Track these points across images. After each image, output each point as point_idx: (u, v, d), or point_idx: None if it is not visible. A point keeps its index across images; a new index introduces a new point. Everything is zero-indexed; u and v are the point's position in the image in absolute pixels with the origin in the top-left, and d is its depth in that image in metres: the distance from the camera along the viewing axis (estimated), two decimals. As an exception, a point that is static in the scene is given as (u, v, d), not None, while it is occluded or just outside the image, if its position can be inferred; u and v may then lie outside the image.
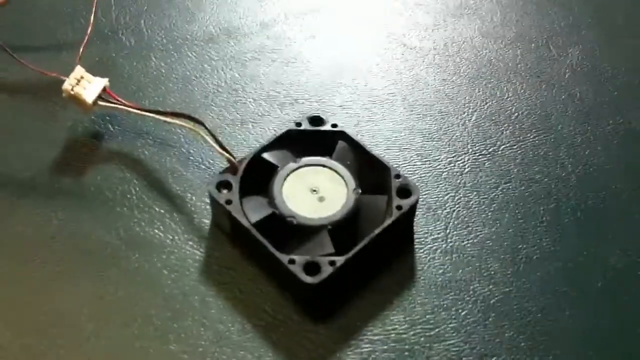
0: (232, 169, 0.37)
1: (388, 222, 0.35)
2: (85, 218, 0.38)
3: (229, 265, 0.36)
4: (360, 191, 0.36)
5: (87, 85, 0.39)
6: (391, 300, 0.35)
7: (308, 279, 0.33)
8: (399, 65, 0.45)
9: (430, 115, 0.42)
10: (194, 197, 0.39)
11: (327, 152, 0.37)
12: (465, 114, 0.43)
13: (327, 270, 0.33)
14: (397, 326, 0.35)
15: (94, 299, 0.35)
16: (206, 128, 0.37)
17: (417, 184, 0.37)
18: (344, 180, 0.36)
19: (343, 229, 0.35)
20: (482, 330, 0.35)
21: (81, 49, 0.40)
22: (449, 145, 0.41)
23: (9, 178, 0.39)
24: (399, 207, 0.35)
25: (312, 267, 0.33)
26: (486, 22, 0.47)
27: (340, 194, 0.36)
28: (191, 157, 0.40)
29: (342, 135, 0.38)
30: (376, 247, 0.35)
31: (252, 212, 0.35)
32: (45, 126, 0.41)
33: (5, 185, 0.39)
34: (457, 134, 0.42)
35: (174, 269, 0.36)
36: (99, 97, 0.39)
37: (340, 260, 0.34)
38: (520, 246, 0.37)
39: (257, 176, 0.37)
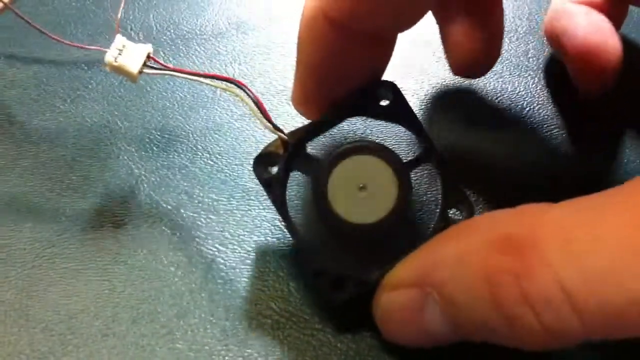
0: (282, 145, 0.34)
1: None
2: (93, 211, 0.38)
3: (235, 263, 0.36)
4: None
5: (130, 54, 0.37)
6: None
7: (331, 296, 0.32)
8: (408, 57, 0.44)
9: (438, 111, 0.42)
10: (201, 194, 0.38)
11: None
12: (475, 109, 0.42)
13: (352, 291, 0.32)
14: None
15: (101, 296, 0.35)
16: (251, 98, 0.36)
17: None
18: (396, 177, 0.32)
19: (390, 236, 0.33)
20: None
21: (119, 15, 0.40)
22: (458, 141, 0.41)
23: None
24: (446, 219, 0.33)
25: (338, 283, 0.32)
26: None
27: (389, 195, 0.32)
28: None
29: (408, 127, 0.35)
30: None
31: (295, 206, 0.34)
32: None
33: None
34: (465, 130, 0.41)
35: (180, 266, 0.36)
36: (144, 65, 0.37)
37: (370, 280, 0.32)
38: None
39: (305, 161, 0.34)
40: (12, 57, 0.44)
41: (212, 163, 0.40)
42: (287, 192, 0.34)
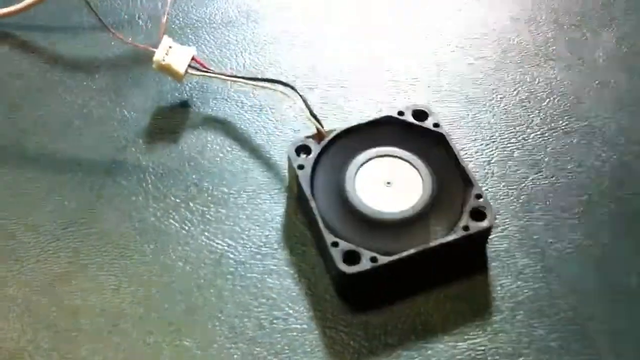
0: (317, 136, 0.36)
1: (447, 239, 0.33)
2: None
3: (245, 258, 0.35)
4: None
5: (176, 55, 0.39)
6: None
7: (342, 267, 0.32)
8: (422, 48, 0.43)
9: (456, 102, 0.41)
10: (210, 187, 0.37)
11: (414, 145, 0.36)
12: (493, 100, 0.41)
13: (365, 265, 0.32)
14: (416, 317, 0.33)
15: (107, 291, 0.34)
16: (298, 94, 0.37)
17: None
18: (423, 182, 0.35)
19: (406, 229, 0.33)
20: (509, 328, 0.33)
21: (165, 19, 0.39)
22: (475, 133, 0.39)
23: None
24: (466, 228, 0.33)
25: (352, 257, 0.32)
26: (515, 3, 0.45)
27: (414, 194, 0.34)
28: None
29: (440, 137, 0.36)
30: (431, 259, 0.33)
31: (321, 191, 0.34)
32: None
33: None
34: (484, 122, 0.40)
35: (189, 261, 0.35)
36: (189, 67, 0.39)
37: (382, 259, 0.32)
38: (550, 240, 0.36)
39: (339, 154, 0.36)
40: (18, 46, 0.43)
41: (222, 155, 0.38)
42: (315, 178, 0.35)
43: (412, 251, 0.32)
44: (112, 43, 0.42)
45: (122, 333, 0.33)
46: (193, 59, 0.39)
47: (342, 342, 0.33)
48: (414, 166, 0.35)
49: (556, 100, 0.41)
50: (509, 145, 0.39)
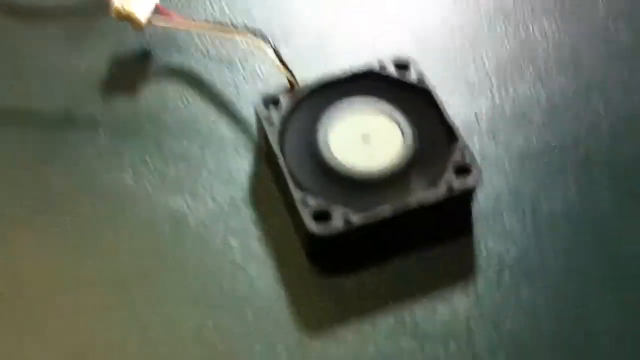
0: (290, 89, 0.33)
1: (428, 197, 0.30)
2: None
3: (206, 219, 0.32)
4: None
5: (138, 2, 0.35)
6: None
7: (312, 227, 0.29)
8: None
9: (444, 53, 0.38)
10: (170, 143, 0.34)
11: (395, 98, 0.33)
12: (484, 53, 0.38)
13: (336, 225, 0.29)
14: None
15: (58, 259, 0.31)
16: (270, 43, 0.34)
17: None
18: (403, 137, 0.32)
19: (384, 187, 0.31)
20: (494, 291, 0.30)
21: None
22: (463, 86, 0.36)
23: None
24: (449, 185, 0.30)
25: (322, 216, 0.29)
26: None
27: (393, 148, 0.31)
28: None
29: (424, 91, 0.33)
30: (410, 220, 0.31)
31: (291, 147, 0.32)
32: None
33: None
34: (473, 76, 0.37)
35: (146, 223, 0.32)
36: (152, 14, 0.36)
37: (356, 219, 0.29)
38: (542, 199, 0.33)
39: (313, 108, 0.33)
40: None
41: (185, 110, 0.35)
42: (285, 133, 0.32)
43: (389, 211, 0.30)
44: (70, -12, 0.39)
45: (75, 303, 0.30)
46: (156, 6, 0.36)
47: (312, 307, 0.30)
48: (393, 120, 0.32)
49: (551, 51, 0.38)
50: (498, 100, 0.36)
